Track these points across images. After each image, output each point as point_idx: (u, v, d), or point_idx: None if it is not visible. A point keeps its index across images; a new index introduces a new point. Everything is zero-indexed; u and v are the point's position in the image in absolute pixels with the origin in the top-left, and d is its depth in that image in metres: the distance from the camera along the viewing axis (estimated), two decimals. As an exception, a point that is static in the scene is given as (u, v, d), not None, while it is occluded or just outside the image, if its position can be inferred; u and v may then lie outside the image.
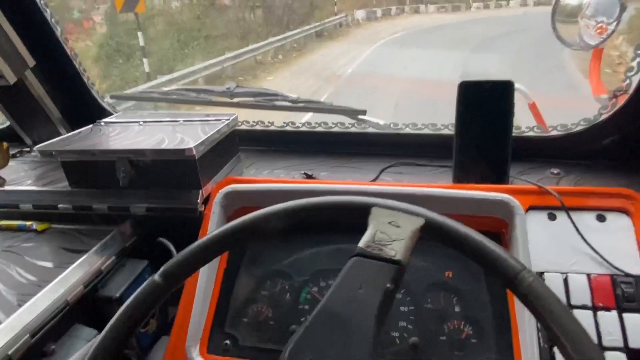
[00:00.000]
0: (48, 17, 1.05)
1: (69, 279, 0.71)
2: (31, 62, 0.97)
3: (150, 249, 0.85)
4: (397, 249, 0.45)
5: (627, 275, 0.65)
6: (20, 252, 0.81)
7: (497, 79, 0.80)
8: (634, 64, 0.83)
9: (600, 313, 0.63)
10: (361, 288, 0.43)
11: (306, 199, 0.53)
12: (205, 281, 0.74)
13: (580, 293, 0.65)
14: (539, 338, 0.62)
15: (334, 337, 0.41)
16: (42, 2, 1.04)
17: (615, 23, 0.98)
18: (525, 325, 0.63)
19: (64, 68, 1.10)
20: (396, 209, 0.49)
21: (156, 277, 0.48)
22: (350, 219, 0.52)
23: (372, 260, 0.45)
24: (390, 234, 0.46)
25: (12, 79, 0.90)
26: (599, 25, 1.00)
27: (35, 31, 1.04)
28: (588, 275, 0.66)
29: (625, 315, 0.63)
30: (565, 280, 0.66)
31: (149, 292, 0.48)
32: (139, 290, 0.48)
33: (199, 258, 0.50)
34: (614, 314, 0.63)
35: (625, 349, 0.60)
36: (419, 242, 0.74)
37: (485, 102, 0.81)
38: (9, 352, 0.59)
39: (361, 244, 0.46)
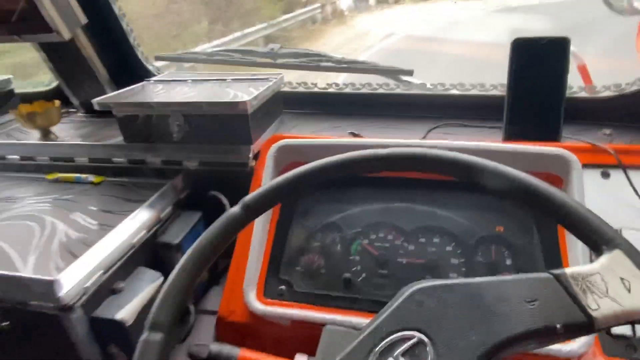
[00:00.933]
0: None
1: (132, 223, 0.75)
2: (84, 19, 0.99)
3: (203, 202, 0.88)
4: (602, 307, 0.36)
5: None
6: (80, 201, 0.85)
7: (552, 36, 0.79)
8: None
9: None
10: (530, 304, 0.38)
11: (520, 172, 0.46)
12: (261, 231, 0.76)
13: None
14: None
15: (461, 312, 0.39)
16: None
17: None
18: None
19: (111, 27, 1.12)
20: None
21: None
22: (577, 236, 0.43)
23: (565, 293, 0.38)
24: (612, 290, 0.37)
25: (67, 34, 0.92)
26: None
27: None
28: None
29: None
30: None
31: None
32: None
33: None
34: None
35: None
36: (468, 195, 0.75)
37: (539, 60, 0.80)
38: (85, 285, 0.63)
39: (570, 270, 0.39)
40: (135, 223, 0.75)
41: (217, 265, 0.92)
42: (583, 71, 1.19)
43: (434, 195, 0.77)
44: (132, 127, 0.91)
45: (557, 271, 0.39)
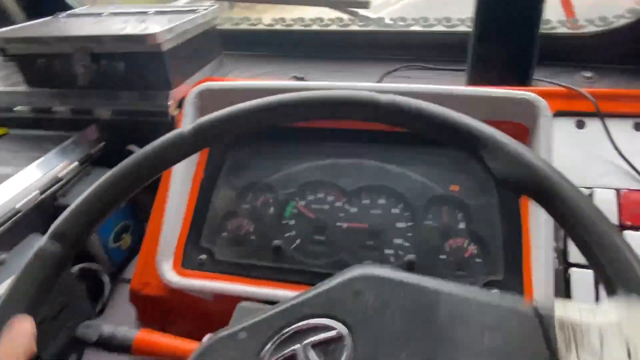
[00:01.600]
0: None
1: (19, 183, 0.63)
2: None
3: (120, 158, 0.76)
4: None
5: None
6: (-28, 158, 0.72)
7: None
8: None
9: (628, 232, 0.56)
10: (490, 335, 0.29)
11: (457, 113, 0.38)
12: (179, 191, 0.65)
13: (607, 210, 0.56)
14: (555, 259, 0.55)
15: (402, 320, 0.31)
16: None
17: None
18: (541, 244, 0.54)
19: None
20: None
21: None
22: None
23: (541, 335, 0.28)
24: (607, 353, 0.26)
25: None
26: None
27: None
28: (617, 191, 0.57)
29: None
30: (591, 196, 0.58)
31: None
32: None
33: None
34: None
35: None
36: (421, 148, 0.64)
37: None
38: None
39: (561, 314, 0.28)
40: (23, 182, 0.63)
41: (143, 229, 0.82)
42: (565, 2, 1.05)
43: (381, 150, 0.66)
44: (32, 69, 0.77)
45: (543, 308, 0.29)
